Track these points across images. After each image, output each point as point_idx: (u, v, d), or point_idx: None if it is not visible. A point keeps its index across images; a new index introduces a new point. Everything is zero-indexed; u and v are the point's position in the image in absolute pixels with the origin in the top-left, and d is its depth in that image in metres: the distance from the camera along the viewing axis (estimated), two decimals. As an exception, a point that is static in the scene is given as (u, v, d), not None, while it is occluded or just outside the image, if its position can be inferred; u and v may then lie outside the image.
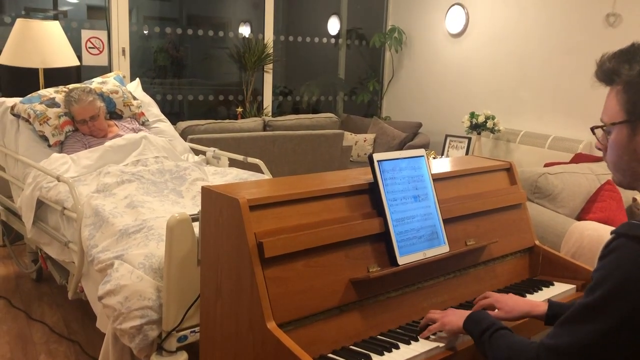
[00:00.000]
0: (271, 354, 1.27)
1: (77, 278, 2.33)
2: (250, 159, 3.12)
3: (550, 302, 1.45)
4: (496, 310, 1.46)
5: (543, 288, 1.80)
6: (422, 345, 1.38)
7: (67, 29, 4.03)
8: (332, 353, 1.36)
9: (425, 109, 5.82)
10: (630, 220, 1.00)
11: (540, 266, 1.94)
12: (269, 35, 5.60)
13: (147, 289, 1.87)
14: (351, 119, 6.02)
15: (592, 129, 1.17)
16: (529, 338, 1.25)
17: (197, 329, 1.90)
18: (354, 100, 6.36)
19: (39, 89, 3.40)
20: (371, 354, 1.33)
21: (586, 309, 1.01)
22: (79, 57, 4.24)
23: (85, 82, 3.50)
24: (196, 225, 1.82)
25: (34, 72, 3.80)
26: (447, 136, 5.16)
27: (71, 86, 3.29)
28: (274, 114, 5.86)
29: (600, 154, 1.30)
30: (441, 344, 1.39)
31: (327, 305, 1.39)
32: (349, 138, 5.48)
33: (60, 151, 3.08)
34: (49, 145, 3.09)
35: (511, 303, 1.45)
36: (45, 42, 3.64)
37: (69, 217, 2.44)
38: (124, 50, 4.89)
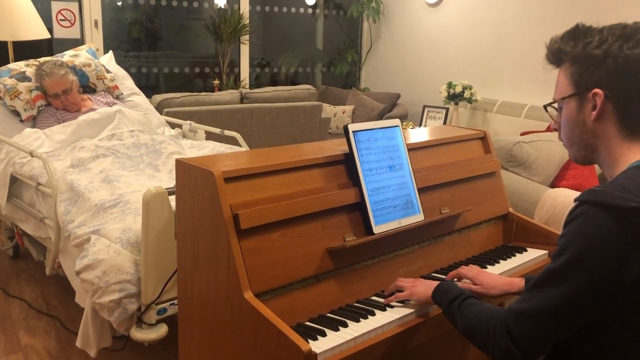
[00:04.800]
0: (249, 323, 1.28)
1: (54, 254, 2.31)
2: (227, 132, 3.10)
3: (526, 277, 1.47)
4: (477, 286, 1.48)
5: (516, 254, 1.84)
6: (397, 312, 1.41)
7: (36, 1, 3.93)
8: (309, 321, 1.38)
9: (403, 79, 5.81)
10: (593, 187, 1.02)
11: (514, 233, 1.98)
12: (244, 6, 5.52)
13: (125, 262, 1.88)
14: (330, 91, 5.99)
15: (545, 108, 1.21)
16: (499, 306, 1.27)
17: (176, 301, 1.91)
18: (333, 71, 6.32)
19: (8, 63, 3.32)
20: (347, 321, 1.35)
21: (551, 273, 1.03)
22: (50, 30, 4.13)
23: (56, 55, 3.42)
24: (173, 199, 1.81)
25: (2, 45, 3.70)
26: (425, 107, 5.18)
27: (42, 59, 3.23)
28: (251, 86, 5.80)
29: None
30: (416, 311, 1.42)
31: (304, 275, 1.41)
32: (328, 110, 5.47)
33: (33, 126, 3.03)
34: (21, 120, 3.04)
35: (490, 281, 1.47)
36: (13, 14, 3.54)
37: (44, 192, 2.41)
38: (96, 23, 4.78)
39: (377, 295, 1.53)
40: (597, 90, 1.08)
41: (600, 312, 1.01)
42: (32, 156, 2.52)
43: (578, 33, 1.12)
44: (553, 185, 2.74)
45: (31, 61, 3.23)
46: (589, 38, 1.10)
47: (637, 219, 0.96)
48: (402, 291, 1.45)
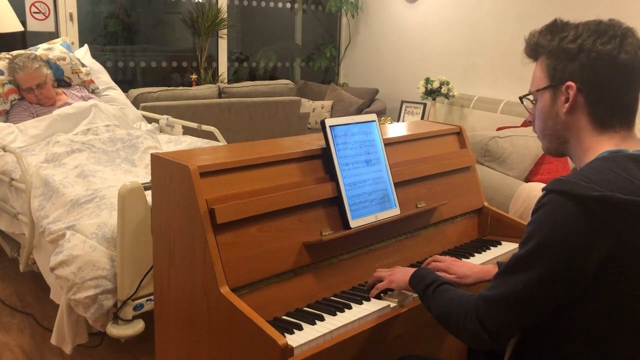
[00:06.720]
0: (225, 318, 1.28)
1: (28, 250, 2.28)
2: (205, 127, 3.08)
3: (499, 264, 1.50)
4: (451, 275, 1.50)
5: (491, 247, 1.86)
6: (373, 305, 1.42)
7: (8, -7, 3.84)
8: (286, 315, 1.38)
9: (381, 75, 5.83)
10: (560, 177, 1.05)
11: (489, 226, 2.01)
12: None
13: (100, 258, 1.86)
14: (308, 86, 5.99)
15: (521, 99, 1.24)
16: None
17: (153, 297, 1.90)
18: (311, 66, 6.31)
19: (-20, 56, 3.25)
20: (324, 314, 1.36)
21: (519, 260, 1.06)
22: (23, 23, 4.06)
23: (30, 48, 3.37)
24: (149, 194, 1.80)
25: (-26, 38, 3.62)
26: (402, 102, 5.21)
27: (15, 53, 3.17)
28: (230, 81, 5.77)
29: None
30: (392, 303, 1.43)
31: (281, 269, 1.41)
32: (307, 105, 5.47)
33: (6, 120, 2.98)
34: (-6, 115, 2.99)
35: (465, 270, 1.50)
36: (-15, 6, 3.47)
37: (18, 188, 2.38)
38: (71, 16, 4.71)
39: (354, 288, 1.54)
40: (570, 83, 1.11)
41: (566, 298, 1.04)
42: (4, 151, 2.48)
43: (555, 27, 1.16)
44: (527, 179, 2.78)
45: (3, 54, 3.16)
46: (565, 32, 1.13)
47: (600, 207, 0.99)
48: (382, 282, 1.47)
